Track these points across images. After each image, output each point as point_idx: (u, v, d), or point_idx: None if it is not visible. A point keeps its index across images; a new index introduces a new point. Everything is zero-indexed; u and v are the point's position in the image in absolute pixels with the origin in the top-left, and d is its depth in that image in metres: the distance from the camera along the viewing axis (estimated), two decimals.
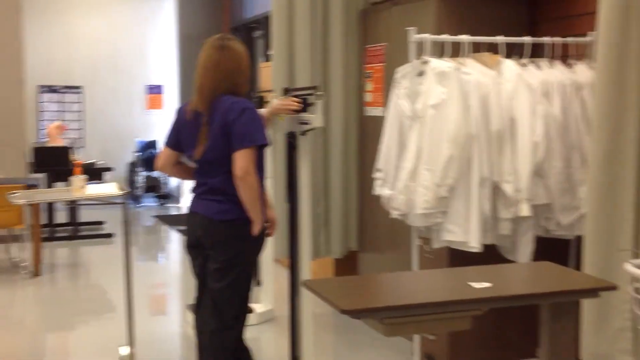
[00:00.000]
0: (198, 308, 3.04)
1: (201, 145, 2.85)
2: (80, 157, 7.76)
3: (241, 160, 2.76)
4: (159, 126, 9.82)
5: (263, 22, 8.68)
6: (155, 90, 10.30)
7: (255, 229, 2.85)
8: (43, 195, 3.34)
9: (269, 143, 2.90)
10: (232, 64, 2.89)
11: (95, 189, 3.70)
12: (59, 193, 3.70)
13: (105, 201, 9.26)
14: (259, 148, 2.88)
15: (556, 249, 3.61)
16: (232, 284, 2.90)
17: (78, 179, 3.46)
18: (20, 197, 3.31)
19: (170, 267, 6.98)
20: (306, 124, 3.27)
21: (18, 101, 7.30)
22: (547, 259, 3.36)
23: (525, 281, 2.34)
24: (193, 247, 3.00)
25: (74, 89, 9.78)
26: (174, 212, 9.42)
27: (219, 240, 2.88)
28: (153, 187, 9.88)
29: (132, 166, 9.90)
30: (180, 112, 3.04)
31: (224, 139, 2.82)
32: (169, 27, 10.22)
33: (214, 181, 2.89)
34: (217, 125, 2.83)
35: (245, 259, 2.94)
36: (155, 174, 9.72)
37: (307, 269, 3.45)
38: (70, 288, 5.96)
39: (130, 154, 9.99)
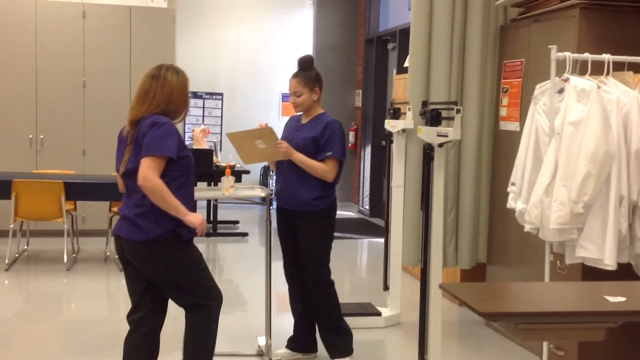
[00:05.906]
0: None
1: None
2: (218, 159, 8.25)
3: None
4: None
5: (397, 35, 8.86)
6: None
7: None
8: (198, 193, 3.67)
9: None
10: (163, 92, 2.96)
11: (242, 190, 3.99)
12: (212, 192, 4.02)
13: (249, 201, 9.69)
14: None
15: None
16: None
17: (227, 179, 3.76)
18: None
19: None
20: (444, 136, 3.40)
21: None
22: None
23: None
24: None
25: (215, 95, 10.39)
26: None
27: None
28: None
29: (266, 170, 10.39)
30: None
31: None
32: (306, 37, 10.63)
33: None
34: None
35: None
36: None
37: (438, 276, 3.57)
38: None
39: None
